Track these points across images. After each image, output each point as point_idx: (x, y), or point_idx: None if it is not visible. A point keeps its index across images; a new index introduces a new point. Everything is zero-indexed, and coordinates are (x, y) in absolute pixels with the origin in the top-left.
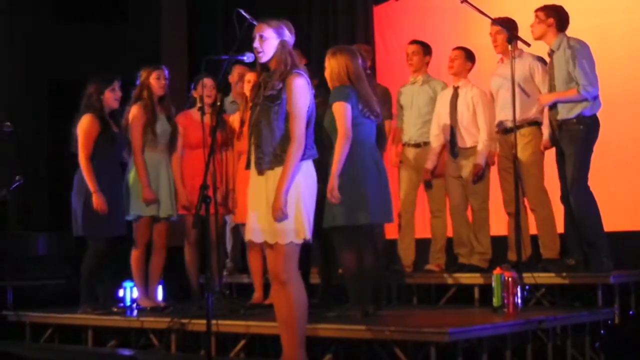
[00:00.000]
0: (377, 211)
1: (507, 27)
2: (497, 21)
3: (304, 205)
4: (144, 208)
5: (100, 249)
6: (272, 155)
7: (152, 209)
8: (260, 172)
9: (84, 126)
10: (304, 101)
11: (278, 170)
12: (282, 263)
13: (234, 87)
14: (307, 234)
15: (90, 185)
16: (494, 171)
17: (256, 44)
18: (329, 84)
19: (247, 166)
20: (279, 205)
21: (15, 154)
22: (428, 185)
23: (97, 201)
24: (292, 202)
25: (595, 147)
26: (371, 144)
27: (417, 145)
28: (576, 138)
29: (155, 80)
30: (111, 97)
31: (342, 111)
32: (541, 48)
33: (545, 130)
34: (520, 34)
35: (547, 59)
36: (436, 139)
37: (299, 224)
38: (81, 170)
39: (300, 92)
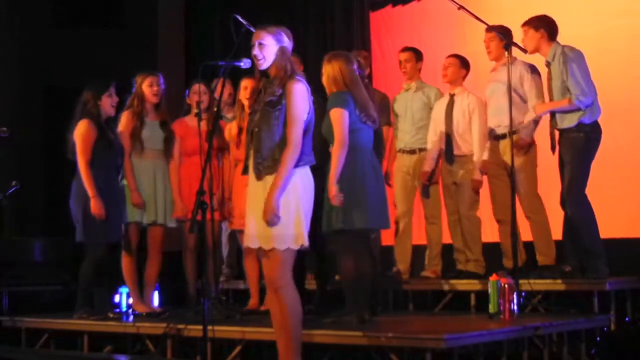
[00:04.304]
0: (375, 216)
1: (503, 34)
2: (493, 28)
3: (303, 211)
4: (131, 214)
5: (99, 256)
6: (272, 160)
7: (137, 214)
8: (259, 176)
9: (82, 132)
10: (303, 106)
11: None
12: (278, 269)
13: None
14: (306, 240)
15: (89, 190)
16: (485, 178)
17: (255, 51)
18: (327, 90)
19: (245, 172)
20: (271, 208)
21: (12, 159)
22: (425, 191)
23: (95, 206)
24: (292, 208)
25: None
26: (369, 150)
27: (412, 152)
28: (576, 146)
29: (148, 87)
30: (108, 103)
31: (339, 118)
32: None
33: (523, 130)
34: (515, 41)
35: (540, 67)
36: (434, 145)
37: (298, 230)
38: (79, 177)
39: (300, 97)
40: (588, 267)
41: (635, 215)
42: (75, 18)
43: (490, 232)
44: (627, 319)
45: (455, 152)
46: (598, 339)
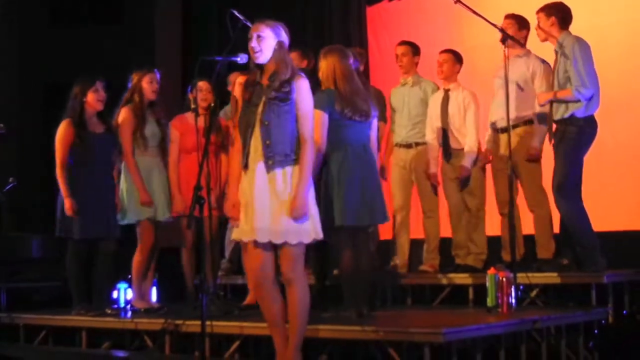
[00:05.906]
0: (356, 213)
1: (518, 24)
2: (507, 16)
3: (314, 206)
4: (141, 212)
5: (77, 250)
6: (284, 155)
7: (149, 211)
8: (270, 170)
9: (59, 134)
10: (312, 102)
11: (288, 169)
12: (292, 263)
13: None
14: (320, 233)
15: (62, 190)
16: (489, 171)
17: (253, 44)
18: (322, 86)
19: (246, 166)
20: (302, 204)
21: (10, 155)
22: (434, 190)
23: (68, 205)
24: (308, 202)
25: (591, 147)
26: (359, 145)
27: (408, 146)
28: (567, 139)
29: (148, 84)
30: (94, 99)
31: (317, 119)
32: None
33: (535, 137)
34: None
35: (551, 59)
36: (433, 142)
37: (314, 224)
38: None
39: (308, 93)
40: (585, 261)
41: (633, 208)
42: (74, 16)
43: (489, 226)
44: (624, 311)
45: (453, 146)
46: (596, 331)
